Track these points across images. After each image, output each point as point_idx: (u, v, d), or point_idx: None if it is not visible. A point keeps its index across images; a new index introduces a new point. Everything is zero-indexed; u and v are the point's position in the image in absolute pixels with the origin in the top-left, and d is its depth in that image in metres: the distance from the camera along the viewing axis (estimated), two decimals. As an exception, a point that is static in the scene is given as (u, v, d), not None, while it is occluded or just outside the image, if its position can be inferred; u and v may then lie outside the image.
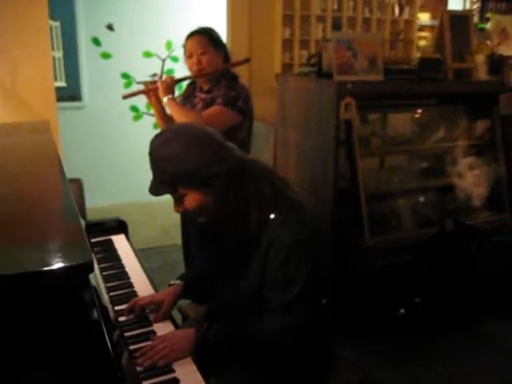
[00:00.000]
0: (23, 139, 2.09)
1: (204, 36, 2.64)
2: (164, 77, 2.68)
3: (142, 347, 1.47)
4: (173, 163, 1.50)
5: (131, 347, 1.47)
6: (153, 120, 5.69)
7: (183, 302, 2.13)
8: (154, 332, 1.57)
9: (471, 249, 3.18)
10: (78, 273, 1.00)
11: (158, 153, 1.53)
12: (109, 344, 1.13)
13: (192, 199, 1.55)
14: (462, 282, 3.16)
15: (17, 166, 1.75)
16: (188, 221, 2.88)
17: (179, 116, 2.52)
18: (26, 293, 1.01)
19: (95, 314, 1.10)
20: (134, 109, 5.70)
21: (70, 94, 5.48)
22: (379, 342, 3.01)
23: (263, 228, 1.54)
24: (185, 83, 2.89)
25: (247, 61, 2.75)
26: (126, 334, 1.54)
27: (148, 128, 5.68)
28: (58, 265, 1.00)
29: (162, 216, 5.40)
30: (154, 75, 5.08)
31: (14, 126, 2.39)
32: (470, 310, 3.27)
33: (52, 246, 1.10)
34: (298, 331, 1.54)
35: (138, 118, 5.75)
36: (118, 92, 5.55)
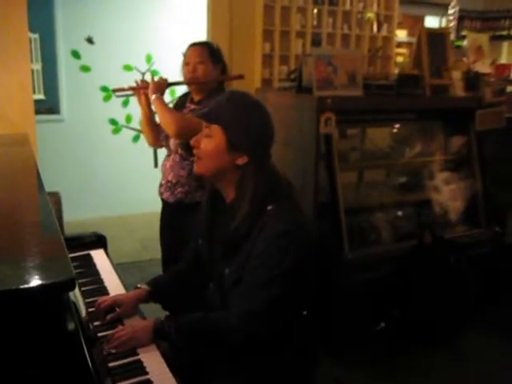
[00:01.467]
0: (1, 152, 2.06)
1: (205, 47, 2.68)
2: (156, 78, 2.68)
3: (121, 364, 1.47)
4: (243, 110, 1.60)
5: (100, 334, 1.54)
6: (132, 133, 5.69)
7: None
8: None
9: (450, 262, 3.21)
10: (58, 290, 0.99)
11: (241, 95, 1.64)
12: (89, 361, 1.11)
13: (212, 144, 1.60)
14: (441, 295, 3.19)
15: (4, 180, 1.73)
16: (167, 235, 2.86)
17: (163, 115, 2.55)
18: (2, 312, 0.98)
19: (75, 332, 1.09)
20: (112, 122, 5.68)
21: (48, 106, 5.43)
22: (360, 355, 3.01)
23: (259, 218, 1.56)
24: (178, 91, 2.89)
25: (241, 77, 2.76)
26: (99, 335, 1.58)
27: (127, 141, 5.67)
28: (37, 282, 0.98)
29: (140, 230, 5.37)
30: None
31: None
32: (449, 324, 3.29)
33: (31, 263, 1.07)
34: (257, 317, 1.51)
35: (116, 131, 5.73)
36: (97, 105, 5.60)
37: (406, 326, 3.17)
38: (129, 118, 5.72)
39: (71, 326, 1.07)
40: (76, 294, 1.77)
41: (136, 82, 2.73)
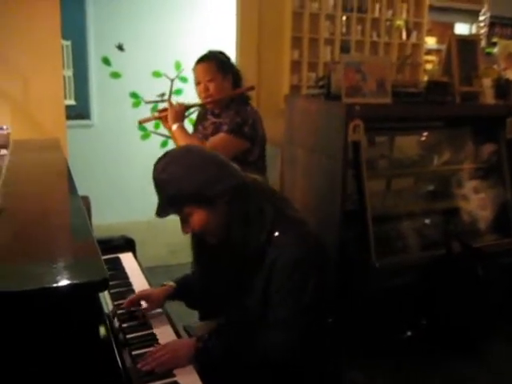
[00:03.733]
0: (34, 156, 2.11)
1: (211, 62, 2.65)
2: (173, 99, 2.71)
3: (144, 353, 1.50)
4: (175, 185, 1.55)
5: (134, 352, 1.50)
6: (160, 139, 5.74)
7: (191, 322, 2.13)
8: (154, 336, 1.62)
9: (478, 271, 3.17)
10: (92, 290, 1.01)
11: (160, 176, 1.59)
12: (119, 361, 1.13)
13: (198, 219, 1.59)
14: (469, 304, 3.15)
15: (29, 183, 1.77)
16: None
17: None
18: (40, 309, 1.01)
19: (106, 333, 1.11)
20: (141, 128, 5.73)
21: (78, 112, 5.53)
22: (385, 364, 2.99)
23: (266, 247, 1.56)
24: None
25: (252, 88, 2.77)
26: (128, 336, 1.58)
27: (155, 147, 5.70)
28: (71, 281, 1.00)
29: (168, 234, 5.39)
30: (162, 95, 5.12)
31: (25, 144, 2.41)
32: (477, 333, 3.24)
33: (66, 262, 1.11)
34: (294, 347, 1.54)
35: (145, 136, 5.78)
36: (126, 111, 5.66)
37: (433, 335, 3.13)
38: (157, 124, 5.75)
39: (102, 327, 1.09)
40: (105, 296, 1.81)
41: (158, 110, 2.78)
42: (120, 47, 5.49)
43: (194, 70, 2.69)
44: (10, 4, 3.67)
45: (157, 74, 5.46)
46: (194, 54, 5.81)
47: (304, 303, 1.53)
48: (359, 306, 3.01)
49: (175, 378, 1.42)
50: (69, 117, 4.44)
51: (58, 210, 1.53)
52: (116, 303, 1.81)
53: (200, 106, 2.77)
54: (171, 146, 5.83)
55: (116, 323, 1.64)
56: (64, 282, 0.99)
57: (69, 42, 5.26)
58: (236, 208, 1.57)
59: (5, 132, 2.33)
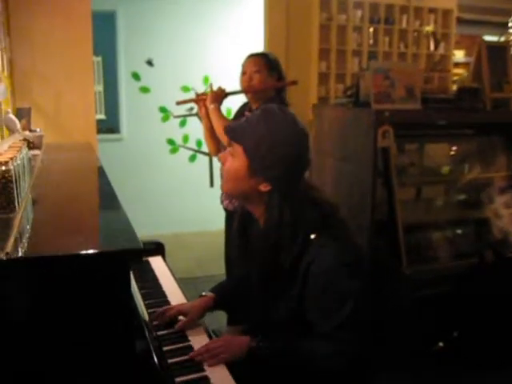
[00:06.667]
0: (67, 154, 2.18)
1: (261, 57, 2.76)
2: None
3: (179, 361, 1.46)
4: (257, 130, 1.47)
5: (169, 361, 1.46)
6: (189, 153, 5.80)
7: (220, 327, 2.11)
8: (191, 347, 1.56)
9: (512, 282, 3.09)
10: (132, 255, 1.05)
11: (274, 116, 1.50)
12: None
13: (234, 165, 1.51)
14: (502, 316, 3.06)
15: (61, 174, 1.88)
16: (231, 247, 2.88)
17: (217, 123, 2.65)
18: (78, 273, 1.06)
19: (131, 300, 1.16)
20: (170, 142, 5.81)
21: (108, 126, 5.62)
22: (416, 375, 2.92)
23: (304, 248, 1.48)
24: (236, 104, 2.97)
25: (295, 83, 2.81)
26: (164, 349, 1.52)
27: (184, 161, 5.78)
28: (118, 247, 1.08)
29: (195, 248, 5.41)
30: (191, 109, 5.19)
31: (58, 145, 2.50)
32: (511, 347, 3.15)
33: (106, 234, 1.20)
34: (350, 356, 1.47)
35: (174, 151, 5.85)
36: (155, 125, 5.74)
37: (465, 348, 3.05)
38: (186, 138, 5.84)
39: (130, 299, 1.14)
40: (137, 297, 1.81)
41: (197, 93, 2.82)
42: (149, 62, 5.60)
43: (244, 62, 2.76)
44: (46, 24, 3.79)
45: (185, 89, 5.54)
46: (222, 68, 5.91)
47: (346, 312, 1.44)
48: (390, 315, 2.95)
49: (205, 373, 1.40)
50: (99, 131, 4.51)
51: (89, 192, 1.60)
52: (147, 302, 1.81)
53: (239, 92, 2.80)
54: (199, 160, 5.89)
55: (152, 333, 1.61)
56: (108, 248, 1.07)
57: (99, 58, 5.38)
58: (279, 199, 1.48)
59: (38, 134, 2.38)
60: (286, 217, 1.47)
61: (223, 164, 1.58)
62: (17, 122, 2.45)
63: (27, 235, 1.14)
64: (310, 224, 1.49)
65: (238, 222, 1.70)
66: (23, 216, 1.24)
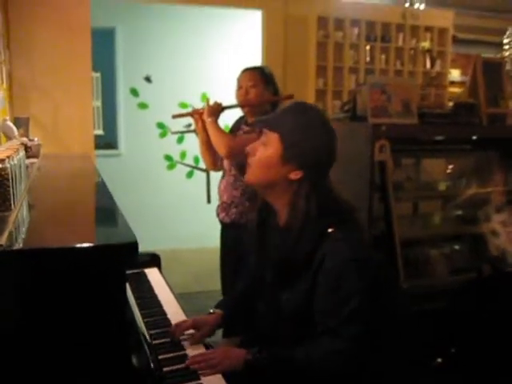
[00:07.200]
0: (64, 163, 2.19)
1: (256, 71, 2.78)
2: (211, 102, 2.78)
3: (175, 369, 1.44)
4: (306, 122, 1.54)
5: (165, 369, 1.45)
6: (186, 169, 5.81)
7: (215, 340, 2.09)
8: (186, 356, 1.55)
9: (510, 296, 3.08)
10: (123, 251, 1.07)
11: (308, 108, 1.59)
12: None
13: (266, 153, 1.54)
14: (500, 332, 3.05)
15: (58, 180, 1.91)
16: (228, 260, 2.87)
17: (215, 136, 2.64)
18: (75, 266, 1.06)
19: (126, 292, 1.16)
20: (168, 158, 5.83)
21: (106, 141, 5.64)
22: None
23: (320, 242, 1.48)
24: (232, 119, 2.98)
25: (291, 97, 2.81)
26: (160, 357, 1.51)
27: (181, 177, 5.79)
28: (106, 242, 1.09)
29: (192, 263, 5.40)
30: (189, 125, 5.20)
31: (55, 155, 2.51)
32: (509, 365, 3.13)
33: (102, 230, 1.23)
34: (346, 357, 1.46)
35: (171, 167, 5.86)
36: (153, 141, 5.76)
37: (463, 364, 3.03)
38: (183, 155, 5.85)
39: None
40: (133, 305, 1.80)
41: (193, 108, 2.82)
42: (148, 79, 5.64)
43: (239, 76, 2.78)
44: (46, 38, 3.84)
45: (183, 106, 5.57)
46: (219, 85, 5.95)
47: (351, 309, 1.45)
48: (387, 323, 2.93)
49: (201, 381, 1.39)
50: (97, 146, 4.52)
51: (86, 194, 1.74)
52: (143, 312, 1.80)
53: (236, 106, 2.81)
54: (196, 176, 5.90)
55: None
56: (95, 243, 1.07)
57: (98, 74, 5.41)
58: (305, 187, 1.51)
59: (36, 143, 2.39)
60: (312, 207, 1.50)
61: (251, 155, 1.59)
62: (14, 129, 2.46)
63: (22, 229, 1.16)
64: (330, 218, 1.51)
65: (256, 214, 1.70)
66: (19, 215, 1.25)
